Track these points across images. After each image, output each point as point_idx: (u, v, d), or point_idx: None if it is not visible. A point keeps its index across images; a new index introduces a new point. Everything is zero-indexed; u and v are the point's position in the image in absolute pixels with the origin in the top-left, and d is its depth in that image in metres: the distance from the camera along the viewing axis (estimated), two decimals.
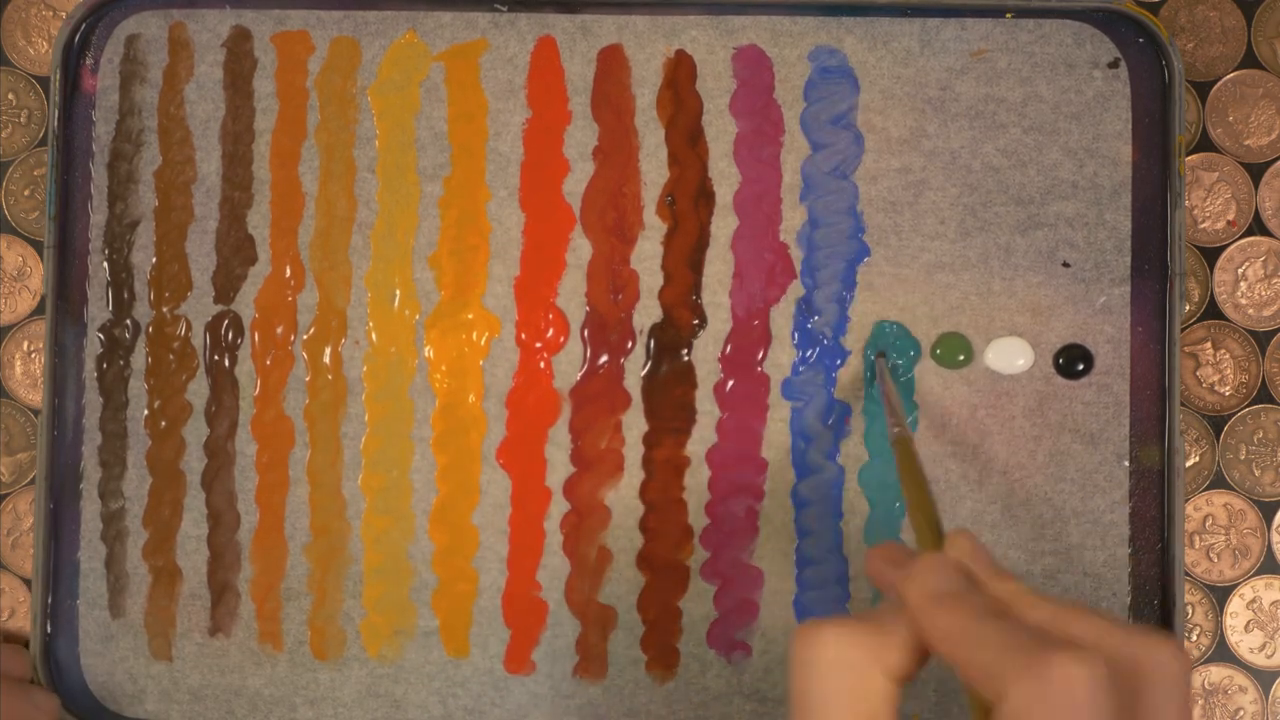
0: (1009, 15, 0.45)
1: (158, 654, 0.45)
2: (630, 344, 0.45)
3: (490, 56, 0.45)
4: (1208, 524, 0.46)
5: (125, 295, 0.45)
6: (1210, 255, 0.47)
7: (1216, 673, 0.46)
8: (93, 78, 0.46)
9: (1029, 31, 0.45)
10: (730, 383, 0.45)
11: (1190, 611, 0.46)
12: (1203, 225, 0.47)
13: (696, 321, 0.45)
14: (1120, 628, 0.26)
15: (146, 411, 0.45)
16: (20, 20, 0.48)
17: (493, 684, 0.44)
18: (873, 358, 0.43)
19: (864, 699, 0.27)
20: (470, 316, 0.45)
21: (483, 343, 0.45)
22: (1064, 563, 0.44)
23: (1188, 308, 0.46)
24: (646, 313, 0.45)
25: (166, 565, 0.45)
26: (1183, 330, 0.45)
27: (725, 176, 0.45)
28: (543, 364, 0.45)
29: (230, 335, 0.45)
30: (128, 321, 0.45)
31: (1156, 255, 0.44)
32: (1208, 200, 0.47)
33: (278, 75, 0.46)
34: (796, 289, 0.45)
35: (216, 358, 0.45)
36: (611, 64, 0.45)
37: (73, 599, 0.45)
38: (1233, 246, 0.47)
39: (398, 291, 0.45)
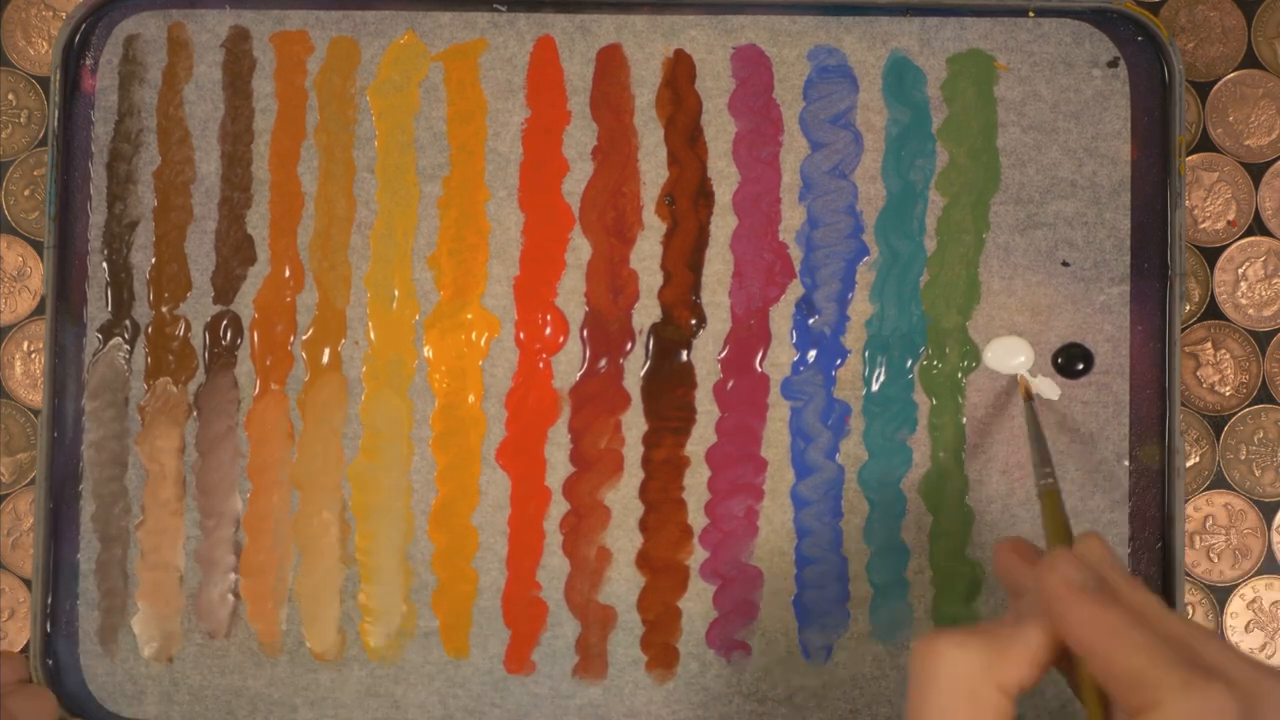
0: (1030, 14, 0.45)
1: (158, 654, 0.45)
2: (630, 344, 0.45)
3: (489, 56, 0.45)
4: (1208, 524, 0.46)
5: (125, 295, 0.45)
6: (1210, 255, 0.47)
7: None
8: (92, 78, 0.46)
9: (1028, 30, 0.45)
10: (730, 382, 0.45)
11: (1190, 612, 0.46)
12: (1203, 225, 0.47)
13: (696, 321, 0.45)
14: (1252, 665, 0.27)
15: None
16: (20, 20, 0.48)
17: (493, 684, 0.44)
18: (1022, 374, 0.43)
19: (978, 714, 0.28)
20: (470, 317, 0.45)
21: (482, 343, 0.45)
22: None
23: (1188, 308, 0.46)
24: (646, 312, 0.45)
25: (166, 566, 0.45)
26: (1183, 330, 0.45)
27: (724, 176, 0.45)
28: (542, 364, 0.45)
29: (229, 335, 0.45)
30: (127, 321, 0.45)
31: (1156, 255, 0.44)
32: (1208, 200, 0.47)
33: (277, 75, 0.46)
34: (796, 288, 0.45)
35: (216, 357, 0.45)
36: (610, 63, 0.45)
37: (72, 599, 0.45)
38: (1233, 246, 0.47)
39: (397, 292, 0.45)
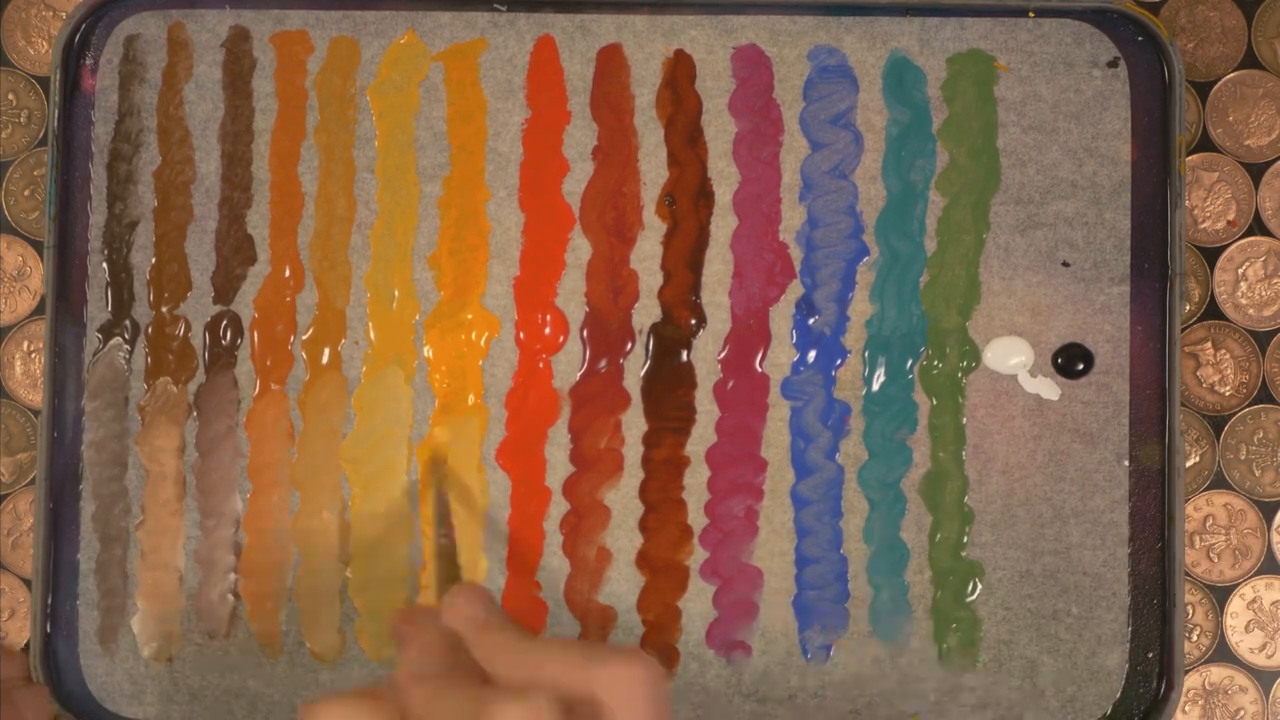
0: (1030, 14, 0.45)
1: (158, 654, 0.45)
2: (630, 344, 0.45)
3: (489, 56, 0.45)
4: (1208, 524, 0.46)
5: (125, 295, 0.45)
6: (1210, 255, 0.47)
7: (1216, 673, 0.46)
8: (92, 78, 0.46)
9: (1028, 30, 0.45)
10: (730, 382, 0.45)
11: (1190, 611, 0.46)
12: (1203, 225, 0.47)
13: (696, 321, 0.45)
14: (585, 660, 0.29)
15: None
16: (20, 20, 0.48)
17: None
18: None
19: None
20: (470, 316, 0.45)
21: (482, 343, 0.45)
22: (1064, 562, 0.44)
23: (1188, 308, 0.46)
24: (646, 312, 0.45)
25: (166, 566, 0.45)
26: (1183, 330, 0.45)
27: (724, 176, 0.45)
28: (542, 364, 0.45)
29: (229, 335, 0.45)
30: (127, 321, 0.45)
31: (1156, 255, 0.44)
32: (1208, 200, 0.47)
33: (277, 75, 0.46)
34: (796, 289, 0.45)
35: (216, 357, 0.45)
36: (611, 63, 0.45)
37: (72, 599, 0.45)
38: (1233, 246, 0.47)
39: (397, 291, 0.45)
